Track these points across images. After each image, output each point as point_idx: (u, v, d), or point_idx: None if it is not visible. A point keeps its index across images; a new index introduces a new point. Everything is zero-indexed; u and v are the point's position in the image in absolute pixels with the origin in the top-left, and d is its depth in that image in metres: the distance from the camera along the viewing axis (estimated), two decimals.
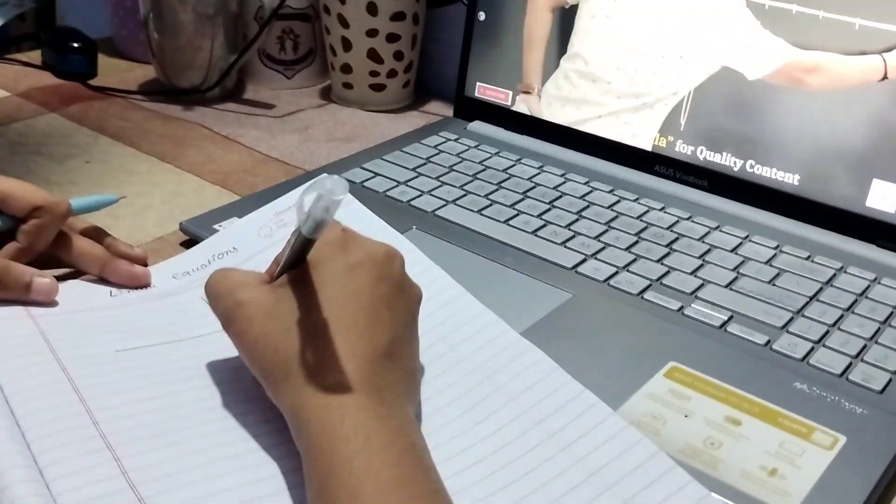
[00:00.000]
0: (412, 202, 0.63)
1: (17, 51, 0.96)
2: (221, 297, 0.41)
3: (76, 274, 0.52)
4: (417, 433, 0.37)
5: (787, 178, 0.61)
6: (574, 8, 0.69)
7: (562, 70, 0.70)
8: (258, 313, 0.39)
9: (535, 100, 0.72)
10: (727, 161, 0.64)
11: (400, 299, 0.40)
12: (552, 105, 0.71)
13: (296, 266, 0.40)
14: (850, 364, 0.47)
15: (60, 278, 0.51)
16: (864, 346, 0.49)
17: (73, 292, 0.50)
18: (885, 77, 0.56)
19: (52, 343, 0.45)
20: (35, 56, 0.92)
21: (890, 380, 0.46)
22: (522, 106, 0.73)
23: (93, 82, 0.86)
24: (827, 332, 0.50)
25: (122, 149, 0.73)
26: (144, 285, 0.52)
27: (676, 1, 0.64)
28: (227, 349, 0.46)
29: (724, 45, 0.62)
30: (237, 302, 0.40)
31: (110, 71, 0.90)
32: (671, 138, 0.66)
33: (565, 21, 0.70)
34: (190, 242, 0.58)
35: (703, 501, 0.37)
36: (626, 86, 0.67)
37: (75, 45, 0.87)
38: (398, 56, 0.83)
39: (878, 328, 0.50)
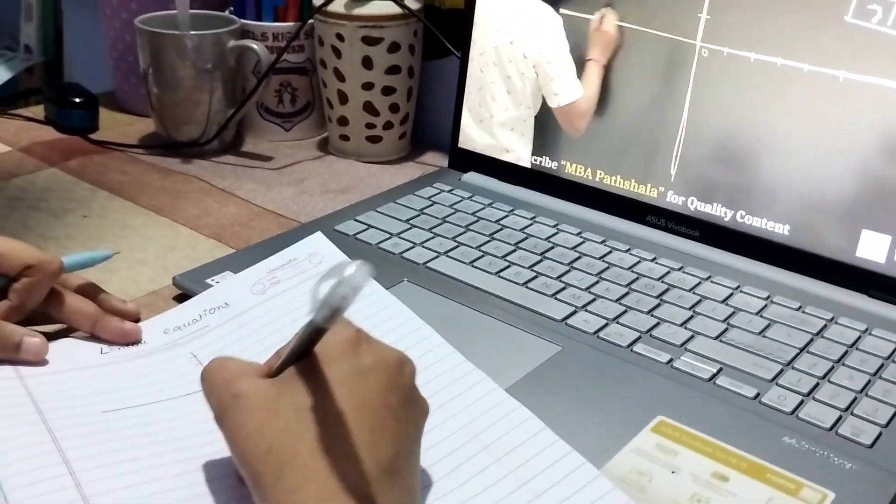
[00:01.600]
0: (404, 254, 0.63)
1: (24, 105, 0.98)
2: (218, 387, 0.39)
3: (69, 329, 0.53)
4: None
5: (777, 228, 0.62)
6: None
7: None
8: (256, 407, 0.37)
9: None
10: (718, 211, 0.64)
11: (408, 411, 0.38)
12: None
13: (301, 359, 0.38)
14: (840, 417, 0.47)
15: (53, 335, 0.52)
16: (854, 399, 0.48)
17: (64, 350, 0.51)
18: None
19: (39, 405, 0.45)
20: (38, 111, 0.93)
21: (880, 433, 0.46)
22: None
23: (94, 136, 0.87)
24: (817, 385, 0.50)
25: (120, 203, 0.74)
26: (135, 342, 0.52)
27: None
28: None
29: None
30: (235, 393, 0.37)
31: (112, 125, 0.92)
32: (662, 189, 0.66)
33: None
34: (183, 297, 0.58)
35: None
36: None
37: (77, 100, 0.88)
38: (394, 108, 0.84)
39: (869, 380, 0.50)
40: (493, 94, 0.74)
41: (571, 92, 0.70)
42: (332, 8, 0.80)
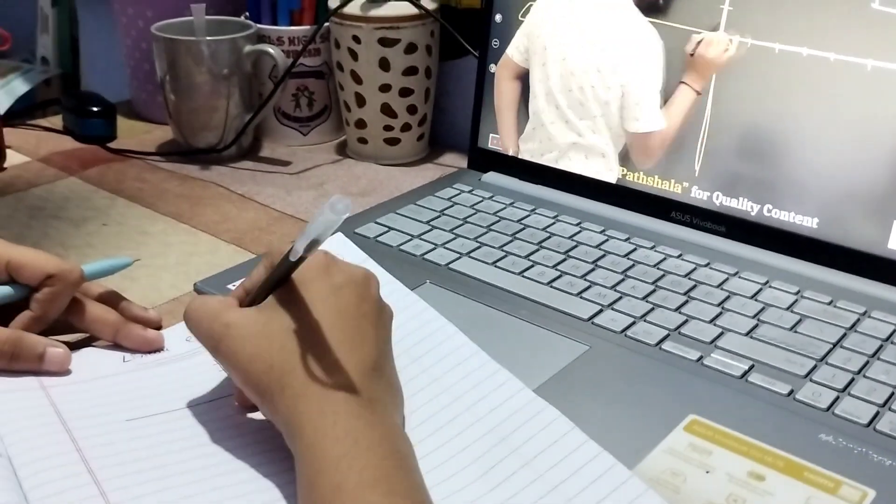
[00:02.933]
0: (426, 256, 0.62)
1: (41, 116, 0.98)
2: (206, 321, 0.43)
3: (91, 338, 0.52)
4: (402, 440, 0.40)
5: (805, 222, 0.60)
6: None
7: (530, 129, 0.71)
8: (249, 333, 0.41)
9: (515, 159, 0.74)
10: (744, 206, 0.63)
11: (380, 317, 0.43)
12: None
13: (278, 286, 0.42)
14: (878, 413, 0.46)
15: (75, 344, 0.52)
16: (892, 394, 0.47)
17: (86, 360, 0.50)
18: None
19: (62, 415, 0.45)
20: (56, 121, 0.93)
21: None
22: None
23: (112, 145, 0.87)
24: (852, 380, 0.48)
25: (139, 210, 0.74)
26: (157, 349, 0.52)
27: None
28: (235, 414, 0.46)
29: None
30: (225, 323, 0.42)
31: (129, 133, 0.92)
32: (686, 184, 0.65)
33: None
34: None
35: None
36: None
37: (95, 109, 0.89)
38: (412, 110, 0.83)
39: None
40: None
41: (654, 121, 0.66)
42: (347, 10, 0.79)
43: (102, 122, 0.88)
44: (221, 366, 0.44)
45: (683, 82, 0.64)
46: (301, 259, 0.40)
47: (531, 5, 0.72)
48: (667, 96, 0.65)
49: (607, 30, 0.68)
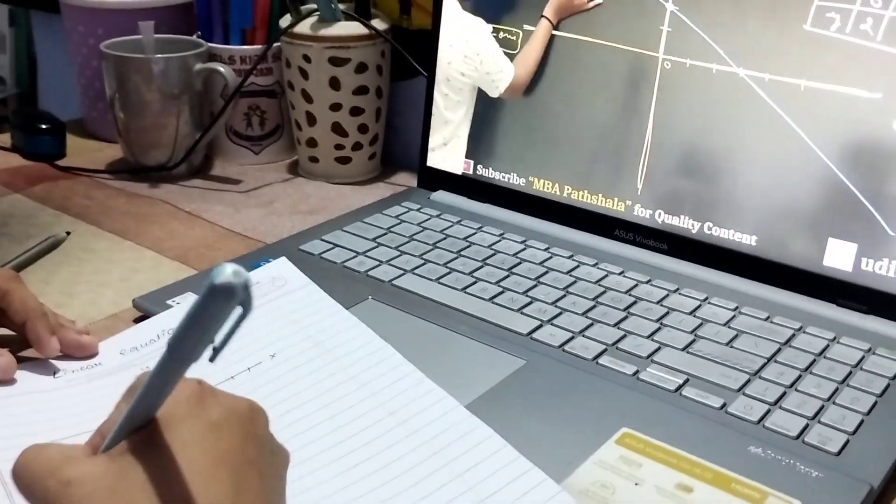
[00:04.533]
0: (369, 272, 0.62)
1: None
2: (41, 479, 0.32)
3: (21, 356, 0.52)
4: None
5: (744, 239, 0.61)
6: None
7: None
8: (96, 492, 0.31)
9: None
10: (685, 223, 0.64)
11: (271, 463, 0.34)
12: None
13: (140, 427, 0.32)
14: (807, 426, 0.46)
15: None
16: (822, 407, 0.48)
17: (18, 374, 0.49)
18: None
19: None
20: (4, 139, 0.92)
21: (847, 441, 0.45)
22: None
23: (61, 163, 0.86)
24: (784, 394, 0.49)
25: (84, 227, 0.73)
26: (90, 356, 0.51)
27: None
28: None
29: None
30: (64, 482, 0.32)
31: (80, 151, 0.91)
32: (629, 202, 0.66)
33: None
34: (143, 319, 0.57)
35: None
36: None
37: (43, 126, 0.88)
38: (363, 129, 0.83)
39: (836, 388, 0.49)
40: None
41: (507, 74, 0.71)
42: (298, 29, 0.80)
43: (51, 139, 0.87)
44: None
45: (544, 16, 0.68)
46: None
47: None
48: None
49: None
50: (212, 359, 0.29)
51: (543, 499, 0.40)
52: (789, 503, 0.41)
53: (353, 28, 0.80)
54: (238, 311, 0.27)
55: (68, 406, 0.48)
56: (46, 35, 1.33)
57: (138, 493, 0.31)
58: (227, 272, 0.27)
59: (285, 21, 0.82)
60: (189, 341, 0.29)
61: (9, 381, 0.48)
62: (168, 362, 0.30)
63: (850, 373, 0.51)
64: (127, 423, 0.32)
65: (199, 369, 0.30)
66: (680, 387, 0.50)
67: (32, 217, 0.75)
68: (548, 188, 0.70)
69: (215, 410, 0.33)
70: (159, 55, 0.81)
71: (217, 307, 0.27)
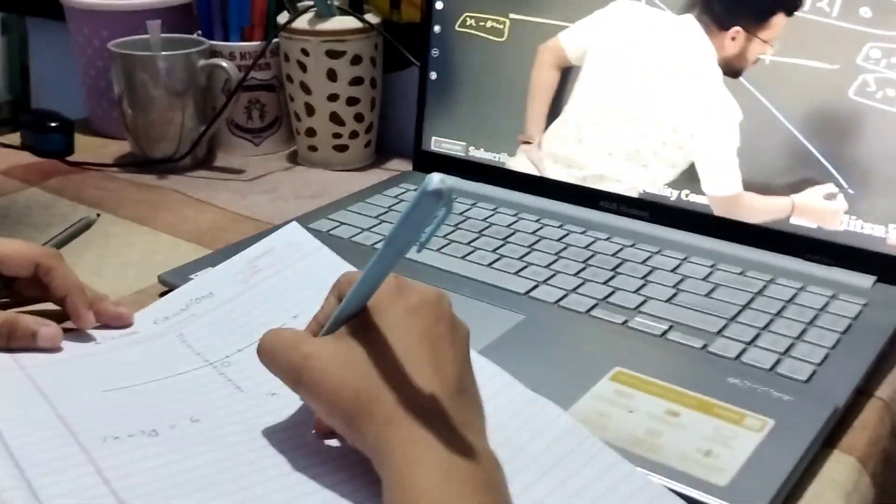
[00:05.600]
0: (375, 246, 0.67)
1: None
2: (283, 353, 0.42)
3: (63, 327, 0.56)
4: (493, 468, 0.39)
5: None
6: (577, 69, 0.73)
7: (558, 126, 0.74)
8: (331, 363, 0.41)
9: (536, 150, 0.75)
10: (664, 192, 0.69)
11: (456, 337, 0.42)
12: (546, 160, 0.75)
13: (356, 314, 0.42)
14: (779, 360, 0.52)
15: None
16: (792, 344, 0.53)
17: (64, 343, 0.54)
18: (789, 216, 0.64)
19: (42, 389, 0.49)
20: (14, 139, 0.96)
21: (815, 371, 0.51)
22: (522, 157, 0.76)
23: (70, 159, 0.91)
24: (758, 335, 0.54)
25: (102, 215, 0.77)
26: (128, 325, 0.56)
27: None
28: (199, 385, 0.50)
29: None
30: (305, 355, 0.41)
31: (87, 148, 0.95)
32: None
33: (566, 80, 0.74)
34: (168, 293, 0.62)
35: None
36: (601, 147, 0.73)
37: (52, 124, 0.92)
38: (359, 118, 0.88)
39: (804, 328, 0.55)
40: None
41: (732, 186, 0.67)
42: (296, 25, 0.85)
43: (60, 136, 0.92)
44: (302, 397, 0.43)
45: None
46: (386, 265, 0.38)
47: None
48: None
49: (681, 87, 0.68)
50: (419, 251, 0.37)
51: (547, 421, 0.45)
52: (764, 422, 0.46)
53: (348, 22, 0.85)
54: (442, 212, 0.35)
55: (109, 366, 0.52)
56: (41, 40, 1.37)
57: (362, 364, 0.40)
58: (437, 179, 0.34)
59: (282, 18, 0.87)
60: (403, 236, 0.36)
61: (57, 349, 0.53)
62: (385, 254, 0.38)
63: (817, 315, 0.57)
64: (345, 310, 0.41)
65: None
66: (665, 332, 0.55)
67: (51, 208, 0.79)
68: None
69: (412, 297, 0.42)
70: (165, 53, 0.85)
71: (428, 207, 0.34)
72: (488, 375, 0.49)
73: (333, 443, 0.45)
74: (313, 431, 0.45)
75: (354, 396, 0.40)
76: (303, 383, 0.42)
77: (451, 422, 0.38)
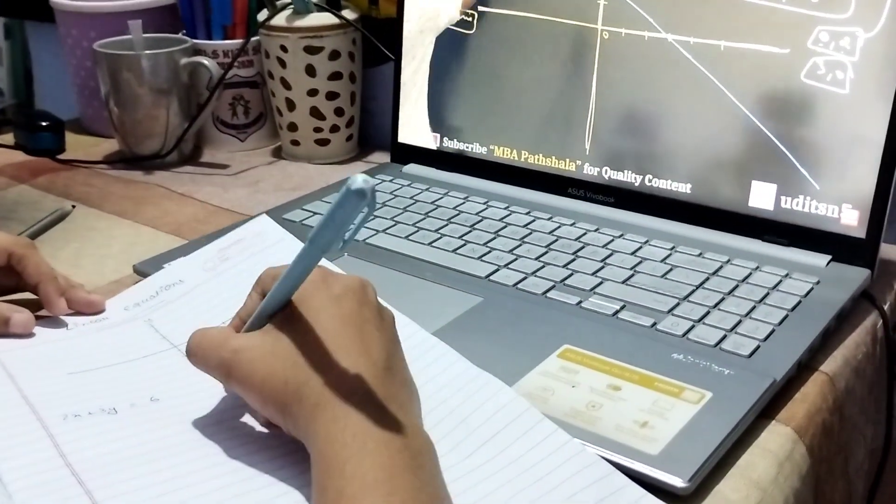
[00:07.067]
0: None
1: None
2: (213, 351, 0.44)
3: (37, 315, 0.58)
4: (415, 436, 0.39)
5: (680, 188, 0.68)
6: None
7: None
8: (260, 356, 0.42)
9: None
10: (629, 178, 0.71)
11: (382, 320, 0.44)
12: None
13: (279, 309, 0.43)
14: (725, 336, 0.53)
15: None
16: (739, 322, 0.55)
17: (36, 329, 0.56)
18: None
19: (10, 371, 0.51)
20: (7, 138, 0.99)
21: (758, 346, 0.52)
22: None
23: (61, 157, 0.93)
24: (707, 313, 0.56)
25: (86, 210, 0.80)
26: (100, 311, 0.58)
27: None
28: (162, 366, 0.52)
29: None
30: (233, 350, 0.43)
31: (78, 146, 0.98)
32: (579, 162, 0.73)
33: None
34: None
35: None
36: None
37: (43, 123, 0.94)
38: (339, 112, 0.90)
39: (754, 306, 0.56)
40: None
41: None
42: (275, 22, 0.87)
43: (51, 135, 0.94)
44: (235, 391, 0.44)
45: None
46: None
47: None
48: None
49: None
50: (341, 249, 0.39)
51: (489, 395, 0.47)
52: (702, 394, 0.48)
53: (326, 18, 0.86)
54: (364, 211, 0.36)
55: (77, 351, 0.54)
56: (40, 44, 1.40)
57: (289, 352, 0.41)
58: (360, 180, 0.35)
59: (262, 15, 0.89)
60: (326, 234, 0.38)
61: (29, 335, 0.55)
62: (309, 252, 0.40)
63: (767, 294, 0.58)
64: (269, 305, 0.43)
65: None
66: (617, 312, 0.56)
67: (38, 203, 0.82)
68: (507, 154, 0.77)
69: (336, 286, 0.44)
70: (148, 51, 0.87)
71: (351, 206, 0.36)
72: (437, 354, 0.50)
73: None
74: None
75: (283, 384, 0.41)
76: (234, 377, 0.43)
77: (376, 399, 0.40)
